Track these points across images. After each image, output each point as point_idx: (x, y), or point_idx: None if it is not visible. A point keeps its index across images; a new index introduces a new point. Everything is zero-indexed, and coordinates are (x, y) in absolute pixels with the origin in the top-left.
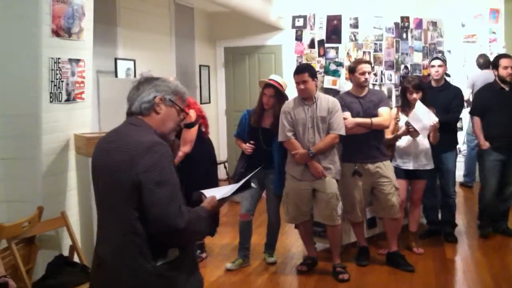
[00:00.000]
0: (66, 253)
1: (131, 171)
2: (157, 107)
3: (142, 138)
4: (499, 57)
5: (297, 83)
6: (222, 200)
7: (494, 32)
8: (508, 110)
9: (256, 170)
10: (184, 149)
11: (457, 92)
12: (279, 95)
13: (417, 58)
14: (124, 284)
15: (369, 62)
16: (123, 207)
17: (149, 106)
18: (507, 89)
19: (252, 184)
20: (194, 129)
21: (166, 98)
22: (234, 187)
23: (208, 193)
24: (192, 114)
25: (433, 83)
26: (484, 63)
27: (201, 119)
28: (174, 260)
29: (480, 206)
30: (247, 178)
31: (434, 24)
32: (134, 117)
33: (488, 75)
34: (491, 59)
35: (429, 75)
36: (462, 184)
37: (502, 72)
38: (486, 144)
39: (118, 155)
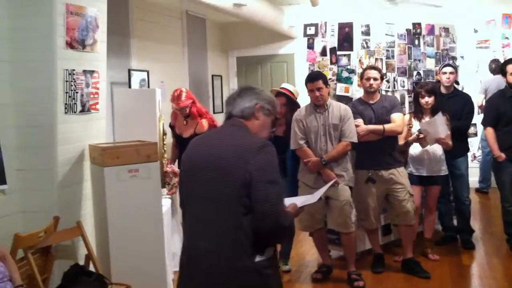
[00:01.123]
0: (82, 262)
1: (243, 169)
2: (257, 113)
3: (252, 138)
4: (506, 63)
5: (311, 91)
6: (301, 208)
7: (507, 38)
8: None
9: (331, 183)
10: None
11: (467, 99)
12: (291, 103)
13: (430, 64)
14: (223, 275)
15: (376, 68)
16: (231, 202)
17: (250, 112)
18: None
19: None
20: None
21: (265, 107)
22: (311, 197)
23: (287, 201)
24: (205, 123)
25: (443, 90)
26: (496, 68)
27: (214, 129)
28: (270, 259)
29: (503, 219)
30: (323, 190)
31: (446, 30)
32: (236, 120)
33: (501, 80)
34: None
35: (439, 81)
36: (477, 190)
37: (510, 78)
38: (501, 156)
39: (228, 152)
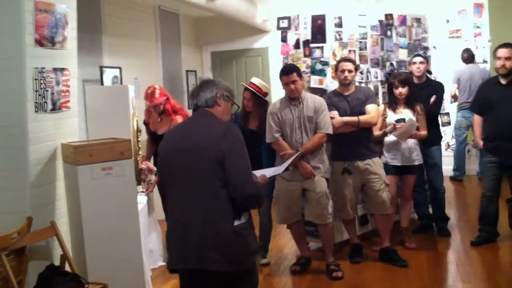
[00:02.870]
0: (57, 262)
1: (215, 149)
2: (218, 100)
3: (219, 123)
4: (497, 47)
5: (286, 84)
6: (269, 178)
7: (478, 27)
8: (506, 106)
9: (296, 155)
10: None
11: (439, 87)
12: (257, 97)
13: (402, 55)
14: (211, 240)
15: (351, 60)
16: (209, 179)
17: (213, 101)
18: (504, 82)
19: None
20: None
21: (224, 94)
22: (278, 169)
23: (257, 173)
24: (179, 120)
25: (415, 80)
26: (469, 57)
27: None
28: (246, 222)
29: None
30: (289, 161)
31: (418, 20)
32: (202, 109)
33: (473, 69)
34: (475, 53)
35: (411, 72)
36: (452, 178)
37: (496, 63)
38: (479, 143)
39: (202, 137)
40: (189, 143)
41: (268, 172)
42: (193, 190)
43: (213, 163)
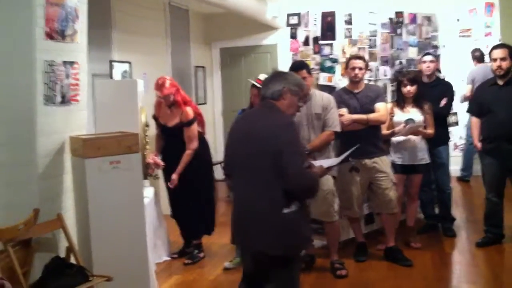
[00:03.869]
0: (62, 255)
1: (275, 142)
2: (284, 94)
3: (281, 118)
4: (492, 48)
5: None
6: (328, 169)
7: (489, 26)
8: (504, 107)
9: (354, 148)
10: (192, 146)
11: (448, 86)
12: None
13: (412, 53)
14: (263, 224)
15: (361, 58)
16: (264, 168)
17: (279, 94)
18: (501, 83)
19: (350, 159)
20: (195, 126)
21: (291, 89)
22: (337, 160)
23: (316, 163)
24: (190, 111)
25: (425, 79)
26: (480, 56)
27: (198, 117)
28: (296, 211)
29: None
30: (349, 152)
31: (428, 19)
32: (268, 101)
33: (486, 70)
34: (486, 53)
35: (420, 71)
36: (459, 179)
37: (494, 65)
38: (477, 146)
39: (262, 127)
40: (249, 132)
41: (326, 163)
42: (249, 177)
43: (269, 154)
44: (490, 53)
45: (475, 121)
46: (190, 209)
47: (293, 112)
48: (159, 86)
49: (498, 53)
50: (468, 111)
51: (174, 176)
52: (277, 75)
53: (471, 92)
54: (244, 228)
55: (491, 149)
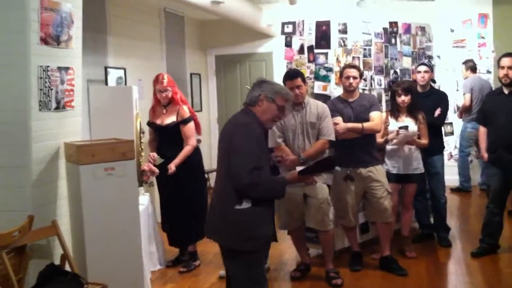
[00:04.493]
0: (57, 262)
1: (229, 141)
2: (260, 101)
3: (242, 119)
4: (501, 56)
5: (291, 89)
6: (303, 173)
7: (483, 37)
8: (507, 116)
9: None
10: (190, 142)
11: (443, 96)
12: None
13: (406, 63)
14: (221, 218)
15: (355, 67)
16: (222, 167)
17: (255, 100)
18: (506, 92)
19: (337, 168)
20: (192, 124)
21: (268, 96)
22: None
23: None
24: (186, 109)
25: (419, 89)
26: (473, 67)
27: (194, 117)
28: (248, 208)
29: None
30: (326, 156)
31: (422, 29)
32: (246, 107)
33: (482, 80)
34: (479, 63)
35: (415, 80)
36: (459, 190)
37: (499, 72)
38: (483, 156)
39: (227, 129)
40: (222, 133)
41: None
42: (217, 174)
43: (225, 154)
44: (499, 61)
45: (482, 130)
46: (182, 216)
47: (269, 119)
48: (159, 79)
49: (507, 61)
50: (475, 120)
51: (172, 165)
52: (257, 83)
53: (470, 101)
54: (209, 221)
55: (494, 159)
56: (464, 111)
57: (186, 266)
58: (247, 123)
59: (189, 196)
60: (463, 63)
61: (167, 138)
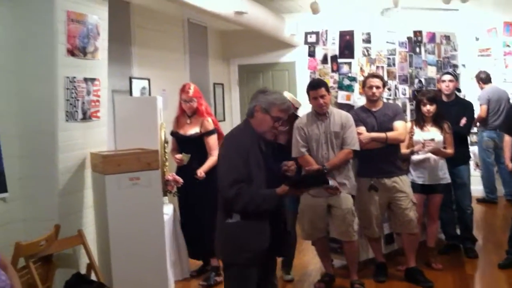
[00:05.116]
0: (83, 271)
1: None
2: (255, 112)
3: (234, 131)
4: None
5: (315, 98)
6: (294, 186)
7: (508, 46)
8: None
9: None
10: (214, 153)
11: (468, 106)
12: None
13: (431, 72)
14: (217, 231)
15: (379, 76)
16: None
17: (251, 112)
18: None
19: (331, 182)
20: (215, 136)
21: (262, 107)
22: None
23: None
24: (210, 121)
25: (444, 98)
26: (485, 78)
27: (218, 129)
28: (238, 222)
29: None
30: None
31: (447, 38)
32: (246, 118)
33: (500, 90)
34: (505, 72)
35: (440, 90)
36: (486, 201)
37: None
38: (508, 166)
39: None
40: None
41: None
42: None
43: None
44: None
45: (508, 139)
46: (203, 228)
47: (265, 130)
48: (185, 89)
49: None
50: (501, 129)
51: (201, 171)
52: (255, 94)
53: (486, 113)
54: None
55: None
56: (479, 122)
57: (206, 280)
58: (235, 135)
59: (210, 208)
60: (475, 76)
61: (189, 149)
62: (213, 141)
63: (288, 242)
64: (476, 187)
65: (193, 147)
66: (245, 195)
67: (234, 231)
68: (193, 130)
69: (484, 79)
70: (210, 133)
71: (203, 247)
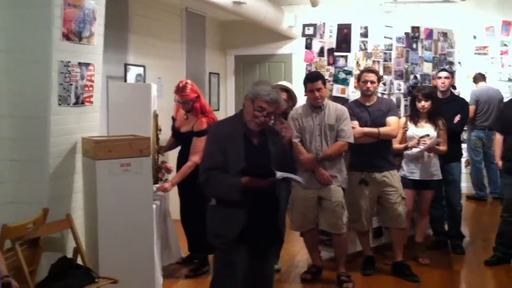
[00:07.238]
0: (70, 255)
1: None
2: (245, 102)
3: (220, 120)
4: None
5: (311, 91)
6: (244, 174)
7: (505, 45)
8: None
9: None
10: (193, 158)
11: (463, 103)
12: (293, 99)
13: (427, 68)
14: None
15: (374, 71)
16: None
17: (244, 101)
18: None
19: (298, 179)
20: (203, 139)
21: (250, 97)
22: (280, 174)
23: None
24: (204, 122)
25: (439, 95)
26: (480, 77)
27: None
28: (213, 206)
29: (498, 229)
30: (289, 177)
31: (444, 34)
32: (242, 109)
33: (490, 90)
34: (501, 71)
35: (435, 86)
36: (475, 198)
37: None
38: (498, 164)
39: None
40: None
41: (278, 174)
42: None
43: None
44: None
45: (499, 138)
46: (203, 221)
47: (249, 119)
48: (179, 89)
49: None
50: (493, 127)
51: (167, 185)
52: (252, 85)
53: (474, 113)
54: None
55: (509, 167)
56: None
57: (193, 270)
58: (218, 123)
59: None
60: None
61: (183, 145)
62: (198, 144)
63: (277, 232)
64: (466, 184)
65: (187, 144)
66: (212, 182)
67: (210, 215)
68: (187, 127)
69: (477, 78)
70: (199, 134)
71: (203, 242)
